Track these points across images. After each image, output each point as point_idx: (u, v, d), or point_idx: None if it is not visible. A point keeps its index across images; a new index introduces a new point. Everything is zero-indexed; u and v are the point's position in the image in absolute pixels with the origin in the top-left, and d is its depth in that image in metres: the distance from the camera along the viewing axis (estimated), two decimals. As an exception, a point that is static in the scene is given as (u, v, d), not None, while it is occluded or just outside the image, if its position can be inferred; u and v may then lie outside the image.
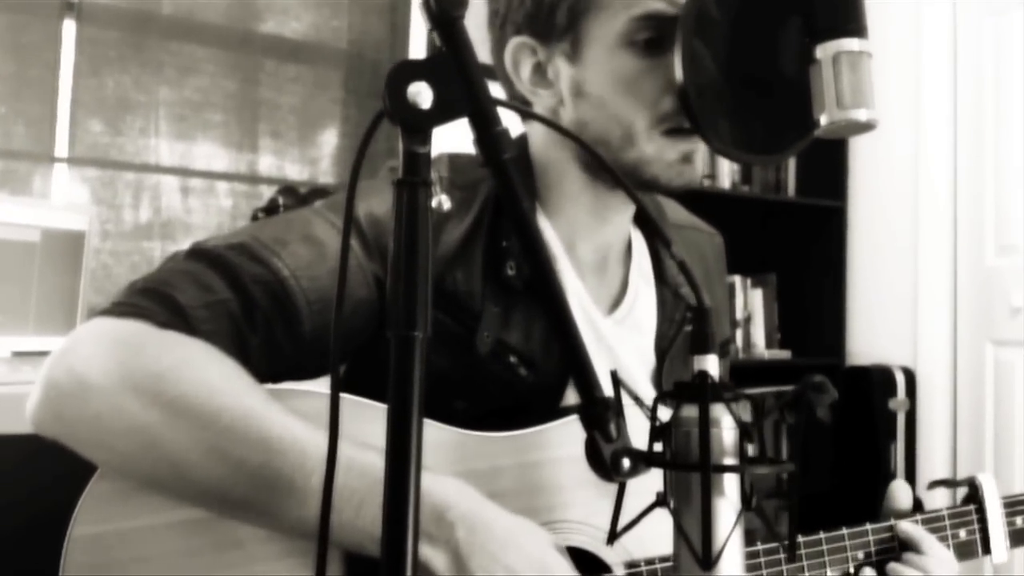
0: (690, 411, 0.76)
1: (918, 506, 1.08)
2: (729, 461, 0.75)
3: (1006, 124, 2.90)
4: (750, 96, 0.92)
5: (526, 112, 1.02)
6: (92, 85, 2.36)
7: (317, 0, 2.71)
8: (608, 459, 0.72)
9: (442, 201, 0.95)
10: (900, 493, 1.08)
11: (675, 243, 1.21)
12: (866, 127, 0.86)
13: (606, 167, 0.92)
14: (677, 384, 0.78)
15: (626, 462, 0.73)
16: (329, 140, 2.74)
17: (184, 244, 2.29)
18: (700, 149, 1.00)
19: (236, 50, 2.58)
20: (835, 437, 3.07)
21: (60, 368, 0.81)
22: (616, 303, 1.10)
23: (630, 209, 1.08)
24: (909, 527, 1.05)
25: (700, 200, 1.26)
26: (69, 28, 2.37)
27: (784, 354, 3.27)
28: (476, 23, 0.99)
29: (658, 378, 1.11)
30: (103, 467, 0.81)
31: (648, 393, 1.10)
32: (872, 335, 3.26)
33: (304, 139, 2.70)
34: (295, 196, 2.25)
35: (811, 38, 0.85)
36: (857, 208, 3.34)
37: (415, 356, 0.66)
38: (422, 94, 0.68)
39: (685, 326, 1.13)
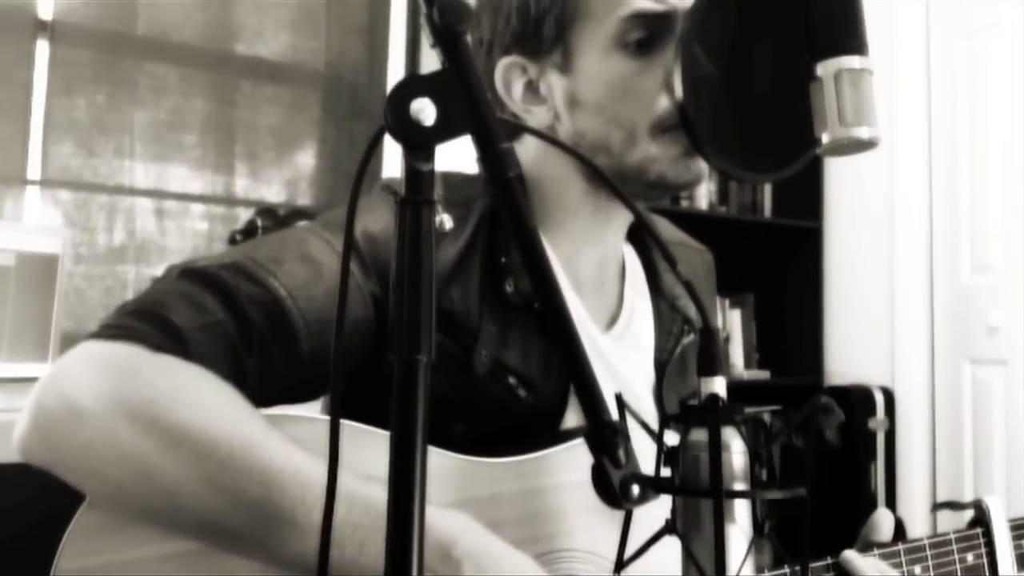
0: (699, 435, 0.74)
1: (899, 533, 1.06)
2: (740, 486, 0.73)
3: (980, 143, 2.93)
4: (750, 113, 0.91)
5: (530, 130, 1.00)
6: (65, 106, 2.32)
7: (294, 20, 2.69)
8: (617, 485, 0.71)
9: (444, 220, 0.94)
10: (883, 523, 1.04)
11: (691, 274, 1.21)
12: (868, 145, 0.85)
13: (605, 179, 0.90)
14: (685, 407, 0.77)
15: (635, 488, 0.71)
16: (307, 162, 2.71)
17: (159, 268, 2.26)
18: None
19: (212, 70, 2.55)
20: (815, 459, 3.06)
21: (50, 393, 0.77)
22: (613, 319, 1.09)
23: (628, 219, 1.08)
24: (860, 564, 0.98)
25: (677, 220, 1.26)
26: (42, 48, 2.33)
27: (763, 374, 3.27)
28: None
29: (658, 393, 1.10)
30: (93, 497, 0.77)
31: (650, 410, 1.08)
32: (850, 355, 3.27)
33: (281, 160, 2.67)
34: (274, 218, 2.22)
35: (811, 55, 0.84)
36: (833, 228, 3.35)
37: (419, 381, 0.64)
38: (425, 110, 0.67)
39: (683, 339, 1.12)
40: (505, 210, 0.69)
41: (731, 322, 3.28)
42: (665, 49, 0.96)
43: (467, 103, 0.67)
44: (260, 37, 2.64)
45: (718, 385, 0.77)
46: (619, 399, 0.77)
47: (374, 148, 0.69)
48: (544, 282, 0.68)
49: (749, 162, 0.93)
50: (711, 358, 0.77)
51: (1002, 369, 2.82)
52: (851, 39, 0.84)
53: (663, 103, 0.96)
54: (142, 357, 0.79)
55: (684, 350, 1.12)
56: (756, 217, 3.35)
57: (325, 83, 2.74)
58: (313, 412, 1.02)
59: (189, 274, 0.87)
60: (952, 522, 2.91)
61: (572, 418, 1.00)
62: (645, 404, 1.08)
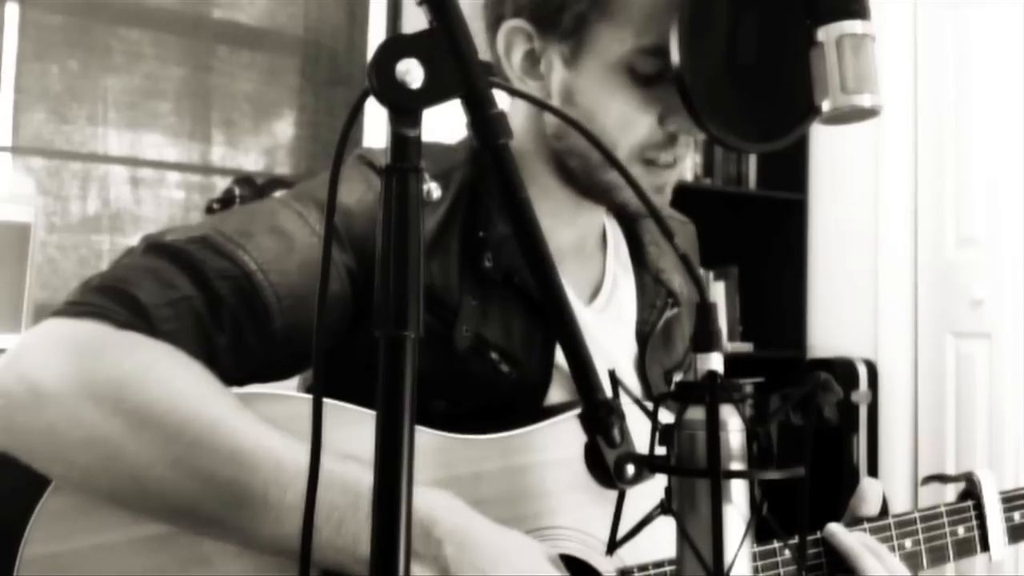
0: (695, 413, 0.72)
1: (883, 509, 1.05)
2: (737, 465, 0.71)
3: (966, 116, 2.92)
4: (747, 81, 0.89)
5: (526, 96, 0.96)
6: (36, 71, 2.26)
7: (272, -15, 2.63)
8: (612, 465, 0.68)
9: (431, 189, 0.90)
10: (870, 493, 1.02)
11: (676, 235, 1.18)
12: (870, 113, 0.83)
13: (605, 151, 0.87)
14: (681, 384, 0.74)
15: (630, 468, 0.69)
16: (285, 129, 2.66)
17: (134, 237, 2.21)
18: (671, 182, 0.99)
19: (188, 36, 2.49)
20: (797, 429, 3.07)
21: (10, 374, 0.74)
22: (595, 291, 1.07)
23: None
24: (845, 539, 0.97)
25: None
26: (12, 12, 2.27)
27: (746, 347, 3.26)
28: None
29: (641, 366, 1.08)
30: (59, 481, 0.74)
31: (632, 383, 1.06)
32: (834, 328, 3.27)
33: (259, 128, 2.62)
34: (252, 187, 2.18)
35: (812, 20, 0.82)
36: (818, 200, 3.34)
37: (406, 358, 0.61)
38: (412, 72, 0.63)
39: (666, 312, 1.10)
40: (495, 178, 0.66)
41: (715, 295, 3.27)
42: (667, 85, 0.90)
43: (456, 65, 0.64)
44: (237, 2, 2.57)
45: (715, 361, 0.74)
46: (612, 376, 0.75)
47: (357, 112, 0.66)
48: (537, 256, 0.65)
49: (746, 131, 0.90)
50: (708, 334, 0.74)
51: (985, 342, 2.83)
52: (853, 3, 0.81)
53: (654, 137, 0.94)
54: (107, 335, 0.76)
55: (668, 323, 1.10)
56: (741, 189, 3.33)
57: (304, 48, 2.68)
58: (288, 390, 0.99)
59: (155, 248, 0.83)
60: (935, 496, 2.92)
61: (556, 393, 0.98)
62: (628, 378, 1.06)
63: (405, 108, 0.63)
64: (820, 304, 3.31)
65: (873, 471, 3.03)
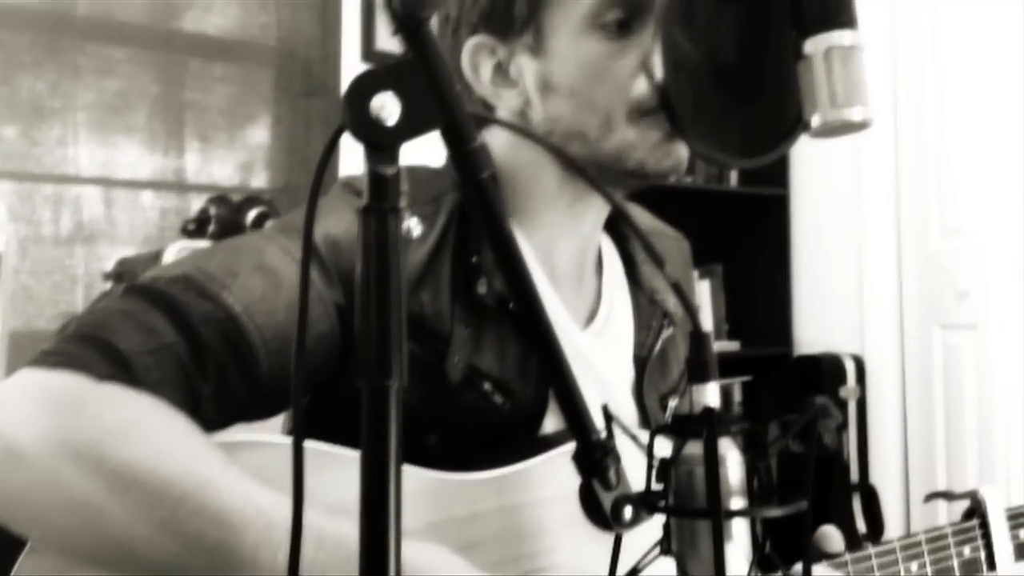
0: (693, 448, 0.69)
1: (874, 503, 1.02)
2: (737, 500, 0.69)
3: (946, 108, 2.91)
4: (733, 94, 0.86)
5: (501, 122, 0.94)
6: (4, 92, 2.21)
7: (243, -4, 2.59)
8: (608, 509, 0.66)
9: (411, 227, 0.87)
10: (826, 540, 0.98)
11: (668, 263, 1.16)
12: (861, 126, 0.80)
13: (582, 171, 0.85)
14: (677, 418, 0.72)
15: (628, 511, 0.66)
16: (260, 142, 2.62)
17: (109, 261, 2.17)
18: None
19: (158, 50, 2.45)
20: (786, 427, 3.05)
21: None
22: (592, 314, 1.04)
23: (606, 209, 1.02)
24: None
25: (643, 191, 1.21)
26: (-25, 32, 2.21)
27: (733, 345, 3.25)
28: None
29: (638, 390, 1.05)
30: (36, 543, 0.71)
31: (630, 409, 1.04)
32: (820, 323, 3.26)
33: (234, 142, 2.58)
34: (228, 206, 2.14)
35: (799, 32, 0.79)
36: (800, 196, 3.33)
37: (390, 409, 0.59)
38: (387, 107, 0.60)
39: (662, 333, 1.08)
40: (478, 214, 0.64)
41: (700, 293, 3.25)
42: (643, 30, 0.91)
43: (433, 98, 0.61)
44: (208, 13, 2.53)
45: (711, 392, 0.72)
46: (606, 412, 0.72)
47: (331, 151, 0.63)
48: (523, 294, 0.62)
49: (734, 146, 0.88)
50: (703, 364, 0.72)
51: (972, 334, 2.82)
52: (841, 13, 0.78)
53: (641, 86, 0.90)
54: (86, 388, 0.72)
55: (664, 345, 1.07)
56: (722, 186, 3.31)
57: (277, 60, 2.64)
58: (273, 431, 0.96)
59: (135, 291, 0.80)
60: (928, 489, 2.92)
61: (551, 422, 0.96)
62: (625, 404, 1.03)
63: (381, 145, 0.60)
64: (805, 300, 3.30)
65: (863, 466, 3.02)
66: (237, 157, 2.58)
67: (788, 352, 3.27)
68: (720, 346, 3.22)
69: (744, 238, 3.39)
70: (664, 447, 0.74)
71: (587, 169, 0.89)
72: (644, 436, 0.77)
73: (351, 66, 2.61)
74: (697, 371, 0.72)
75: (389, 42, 2.64)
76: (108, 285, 2.10)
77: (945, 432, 2.91)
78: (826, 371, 3.07)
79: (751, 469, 0.68)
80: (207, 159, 2.52)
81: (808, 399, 0.82)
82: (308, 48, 2.62)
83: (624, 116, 0.91)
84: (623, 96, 0.91)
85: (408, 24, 0.60)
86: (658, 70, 0.82)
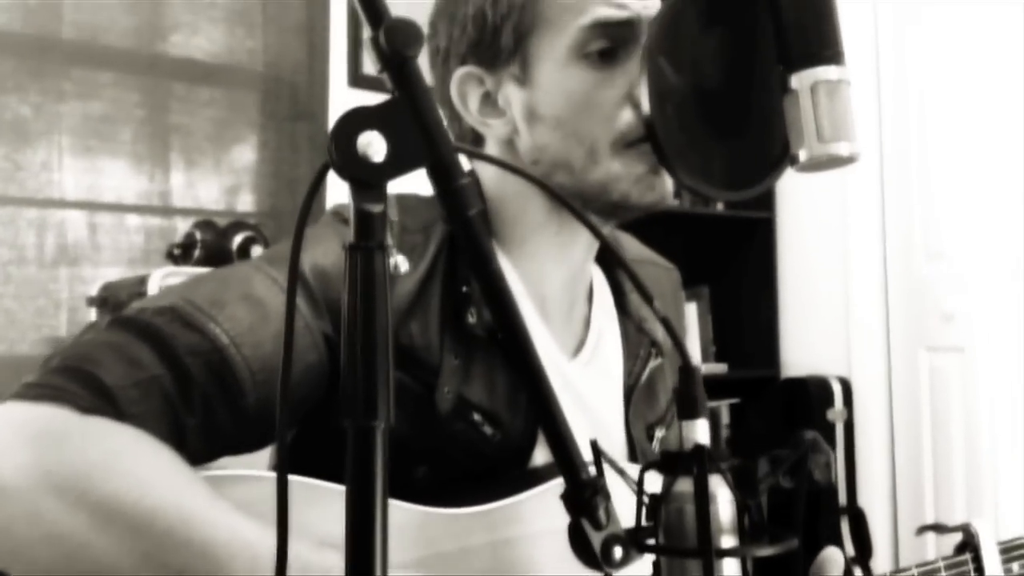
0: (683, 485, 0.69)
1: (863, 527, 1.02)
2: (728, 539, 0.69)
3: (931, 130, 2.93)
4: (720, 127, 0.86)
5: (485, 157, 0.94)
6: (-11, 117, 2.20)
7: (229, 20, 2.58)
8: (598, 549, 0.65)
9: (398, 263, 0.87)
10: (828, 564, 0.95)
11: (657, 293, 1.16)
12: (848, 161, 0.80)
13: (568, 205, 0.85)
14: (666, 453, 0.71)
15: (618, 551, 0.66)
16: (247, 166, 2.61)
17: (93, 285, 2.15)
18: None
19: (144, 74, 2.44)
20: (776, 463, 3.05)
21: None
22: (580, 344, 1.04)
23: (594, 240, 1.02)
24: None
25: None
26: (-40, 57, 2.20)
27: (720, 368, 3.24)
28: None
29: (626, 420, 1.05)
30: (17, 577, 0.70)
31: (619, 440, 1.03)
32: (806, 345, 3.26)
33: (220, 166, 2.57)
34: (214, 231, 2.13)
35: (785, 66, 0.79)
36: (786, 218, 3.34)
37: (376, 449, 0.58)
38: (374, 145, 0.60)
39: (650, 362, 1.08)
40: (467, 252, 0.63)
41: (687, 316, 3.25)
42: (628, 59, 0.91)
43: (420, 135, 0.61)
44: (194, 38, 2.53)
45: (700, 429, 0.72)
46: (595, 447, 0.72)
47: (317, 187, 0.63)
48: (512, 332, 0.62)
49: (719, 179, 0.88)
50: (692, 399, 0.72)
51: (958, 356, 2.83)
52: (827, 48, 0.79)
53: (626, 116, 0.91)
54: (69, 421, 0.71)
55: (651, 374, 1.07)
56: (709, 209, 3.31)
57: (263, 84, 2.64)
58: (260, 464, 0.94)
59: (121, 323, 0.79)
60: (915, 512, 2.92)
61: (541, 455, 0.95)
62: (615, 434, 1.03)
63: (368, 183, 0.60)
64: (792, 322, 3.31)
65: (851, 488, 3.01)
66: (223, 181, 2.57)
67: (775, 374, 3.27)
68: (707, 368, 3.22)
69: (731, 260, 3.39)
70: (654, 481, 0.73)
71: (573, 201, 0.89)
72: (633, 471, 0.76)
73: (338, 91, 2.61)
74: (686, 406, 0.71)
75: (376, 67, 2.64)
76: (92, 310, 2.09)
77: (932, 455, 2.91)
78: (813, 393, 3.07)
79: (741, 507, 0.68)
80: (192, 183, 2.52)
81: (798, 434, 0.81)
82: (295, 73, 2.61)
83: (609, 147, 0.91)
84: (608, 126, 0.91)
85: (394, 62, 0.60)
86: (644, 102, 0.82)
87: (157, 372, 0.76)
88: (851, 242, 3.12)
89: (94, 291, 2.12)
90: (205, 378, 0.78)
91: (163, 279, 1.87)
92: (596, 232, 0.73)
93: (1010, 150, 2.73)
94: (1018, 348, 2.71)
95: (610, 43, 0.91)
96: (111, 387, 0.74)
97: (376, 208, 0.60)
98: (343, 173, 0.60)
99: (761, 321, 3.33)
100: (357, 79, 2.65)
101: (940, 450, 2.88)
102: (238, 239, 2.12)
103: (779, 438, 3.08)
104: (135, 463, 0.71)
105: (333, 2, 2.64)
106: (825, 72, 0.78)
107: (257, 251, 2.13)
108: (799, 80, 0.78)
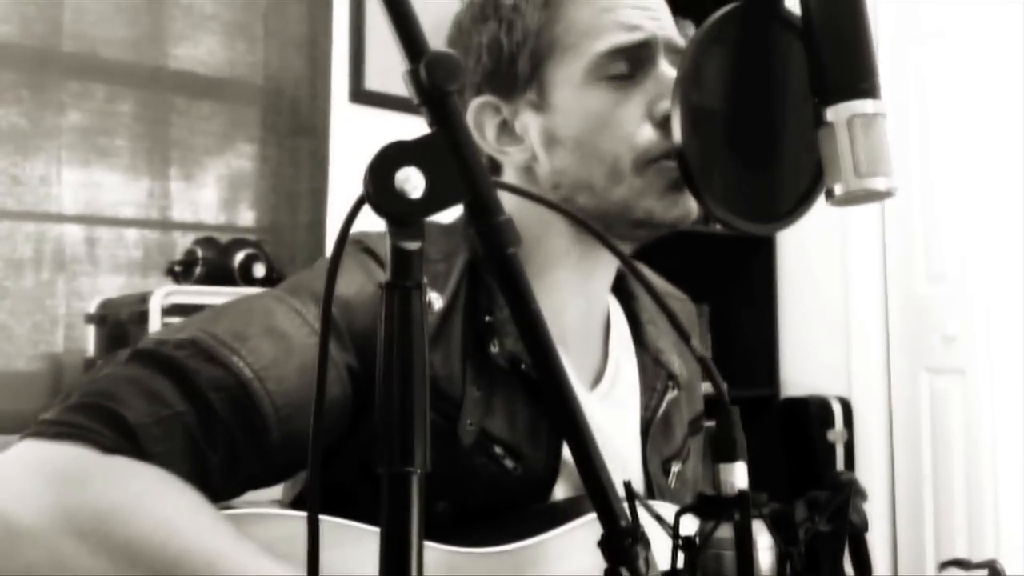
0: (722, 531, 0.67)
1: (861, 548, 1.00)
2: (768, 588, 0.67)
3: (931, 150, 2.93)
4: (751, 158, 0.85)
5: (520, 191, 0.93)
6: (-14, 130, 2.17)
7: (230, 34, 2.57)
8: (637, 599, 0.63)
9: (432, 300, 0.85)
10: None
11: (692, 337, 1.13)
12: (885, 195, 0.79)
13: (595, 232, 0.83)
14: (705, 498, 0.70)
15: (656, 599, 0.64)
16: (247, 181, 2.59)
17: (91, 301, 2.11)
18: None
19: (144, 87, 2.42)
20: (775, 471, 3.04)
21: None
22: (598, 376, 1.02)
23: (614, 266, 1.02)
24: None
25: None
26: (-41, 69, 2.18)
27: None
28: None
29: (643, 454, 1.03)
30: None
31: (637, 474, 1.01)
32: (806, 365, 3.25)
33: (220, 181, 2.55)
34: (215, 248, 2.10)
35: (820, 98, 0.78)
36: (786, 238, 3.33)
37: (412, 497, 0.56)
38: (411, 181, 0.58)
39: (667, 395, 1.06)
40: (504, 291, 0.61)
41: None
42: (645, 78, 0.91)
43: (459, 171, 0.59)
44: (195, 52, 2.51)
45: (739, 472, 0.70)
46: (629, 490, 0.70)
47: (351, 223, 0.61)
48: (551, 375, 0.60)
49: (750, 211, 0.86)
50: (731, 442, 0.70)
51: (959, 378, 2.82)
52: (863, 81, 0.77)
53: (646, 133, 0.90)
54: (90, 461, 0.69)
55: (668, 407, 1.05)
56: (709, 228, 3.30)
57: (264, 98, 2.62)
58: (272, 494, 0.92)
59: (141, 356, 0.77)
60: (915, 533, 2.90)
61: (561, 488, 0.93)
62: (632, 468, 1.01)
63: (405, 220, 0.58)
64: (792, 341, 3.30)
65: (852, 510, 2.99)
66: (223, 196, 2.55)
67: (775, 394, 3.26)
68: (706, 387, 3.20)
69: (731, 279, 3.38)
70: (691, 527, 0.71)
71: (595, 224, 0.88)
72: (666, 512, 0.74)
73: (339, 106, 2.60)
74: (725, 449, 0.70)
75: (378, 82, 2.62)
76: (91, 328, 2.06)
77: (932, 476, 2.90)
78: (813, 414, 3.06)
79: (783, 554, 0.66)
80: (192, 198, 2.49)
81: (836, 475, 0.79)
82: (296, 87, 2.59)
83: (630, 165, 0.91)
84: (628, 144, 0.90)
85: (434, 96, 0.58)
86: (676, 133, 0.81)
87: (180, 408, 0.74)
88: (852, 262, 3.12)
89: (92, 308, 2.09)
90: (229, 414, 0.76)
91: (165, 298, 1.84)
92: (621, 256, 0.72)
93: (1011, 171, 2.73)
94: (1020, 371, 2.70)
95: (628, 66, 0.91)
96: (133, 425, 0.72)
97: (413, 245, 0.58)
98: (380, 210, 0.58)
99: (761, 340, 3.31)
100: (358, 94, 2.63)
101: (940, 472, 2.87)
102: (240, 256, 2.09)
103: (780, 460, 3.06)
104: (158, 504, 0.69)
105: (335, 16, 2.62)
106: (862, 106, 0.77)
107: (259, 269, 2.10)
108: (835, 113, 0.77)
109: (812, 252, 3.25)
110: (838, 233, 3.15)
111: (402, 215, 0.58)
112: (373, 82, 2.63)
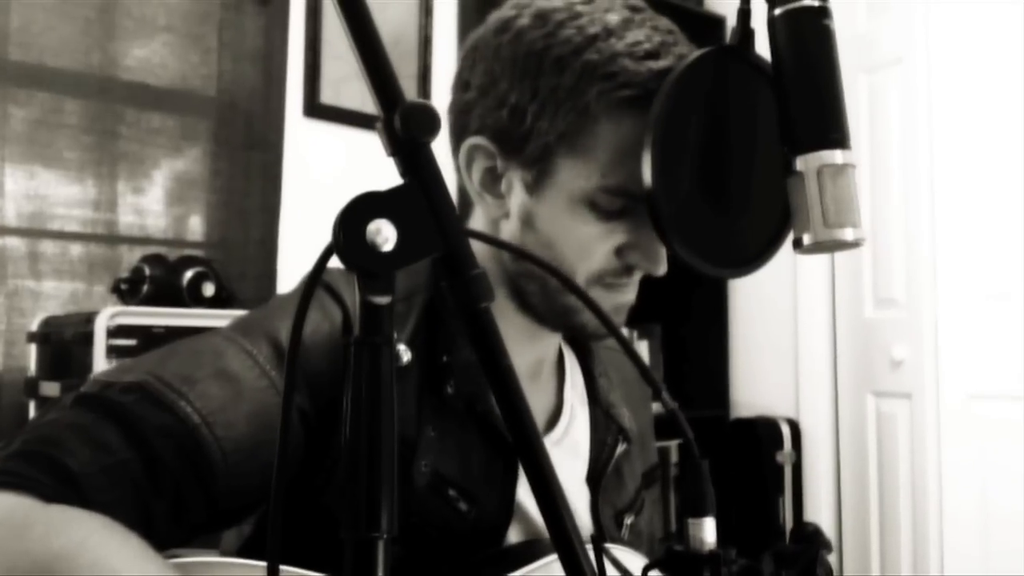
0: (690, 588, 0.66)
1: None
2: (737, 645, 0.66)
3: (881, 178, 2.97)
4: (719, 204, 0.85)
5: (493, 242, 0.92)
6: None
7: (183, 46, 2.52)
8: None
9: (401, 353, 0.83)
10: None
11: (623, 377, 1.13)
12: (853, 246, 0.79)
13: (577, 290, 0.83)
14: (674, 553, 0.69)
15: (626, 661, 0.63)
16: (198, 196, 2.54)
17: (34, 319, 2.05)
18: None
19: (93, 98, 2.36)
20: (723, 492, 3.05)
21: None
22: (552, 422, 1.01)
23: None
24: None
25: None
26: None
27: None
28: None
29: (594, 507, 1.02)
30: None
31: (585, 523, 1.00)
32: (756, 387, 3.28)
33: (170, 195, 2.50)
34: (163, 265, 2.06)
35: (789, 148, 0.77)
36: (737, 259, 3.36)
37: (378, 562, 0.54)
38: (383, 233, 0.57)
39: (617, 449, 1.05)
40: (476, 345, 0.60)
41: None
42: (629, 216, 0.88)
43: (432, 222, 0.57)
44: (146, 63, 2.45)
45: (708, 528, 0.69)
46: (597, 546, 0.69)
47: (319, 274, 0.59)
48: (524, 435, 0.58)
49: (718, 256, 0.86)
50: (700, 496, 0.69)
51: (906, 402, 2.86)
52: (833, 132, 0.77)
53: (612, 263, 0.90)
54: (32, 510, 0.67)
55: (618, 460, 1.05)
56: (662, 248, 3.32)
57: (217, 111, 2.57)
58: (228, 557, 0.90)
59: (86, 401, 0.74)
60: (861, 552, 2.93)
61: (515, 532, 0.92)
62: (582, 517, 0.99)
63: (376, 273, 0.56)
64: (742, 363, 3.32)
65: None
66: (172, 210, 2.50)
67: (725, 415, 3.28)
68: (657, 407, 3.21)
69: (682, 300, 3.40)
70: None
71: (567, 277, 0.87)
72: (633, 565, 0.73)
73: (293, 120, 2.56)
74: (694, 504, 0.69)
75: (332, 97, 2.59)
76: (32, 347, 1.99)
77: (879, 497, 2.94)
78: (762, 435, 3.08)
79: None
80: (140, 211, 2.43)
81: (803, 527, 0.78)
82: (250, 100, 2.55)
83: (583, 280, 0.90)
84: (590, 266, 0.89)
85: (408, 147, 0.57)
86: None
87: (125, 456, 0.72)
88: (801, 286, 3.15)
89: (34, 325, 2.02)
90: (175, 461, 0.74)
91: (110, 319, 1.79)
92: (598, 313, 0.71)
93: (958, 199, 2.78)
94: (964, 396, 2.75)
95: (622, 205, 0.87)
96: (77, 474, 0.70)
97: (383, 300, 0.57)
98: (349, 263, 0.56)
99: (711, 361, 3.34)
100: (313, 108, 2.60)
101: (886, 494, 2.91)
102: (188, 274, 2.04)
103: (728, 481, 3.08)
104: (103, 552, 0.66)
105: (291, 30, 2.59)
106: (832, 156, 0.77)
107: (209, 288, 2.05)
108: (804, 163, 0.77)
109: (763, 276, 3.25)
110: (788, 258, 3.16)
111: (372, 269, 0.56)
112: (328, 96, 2.59)
